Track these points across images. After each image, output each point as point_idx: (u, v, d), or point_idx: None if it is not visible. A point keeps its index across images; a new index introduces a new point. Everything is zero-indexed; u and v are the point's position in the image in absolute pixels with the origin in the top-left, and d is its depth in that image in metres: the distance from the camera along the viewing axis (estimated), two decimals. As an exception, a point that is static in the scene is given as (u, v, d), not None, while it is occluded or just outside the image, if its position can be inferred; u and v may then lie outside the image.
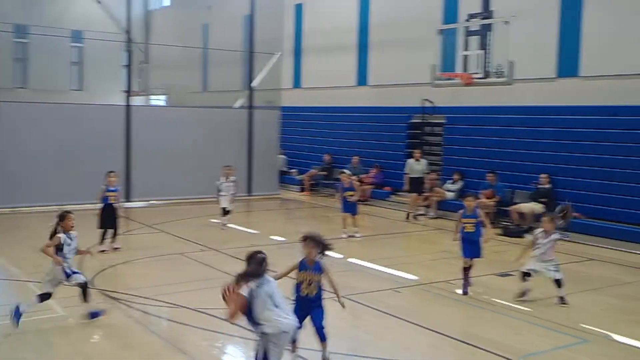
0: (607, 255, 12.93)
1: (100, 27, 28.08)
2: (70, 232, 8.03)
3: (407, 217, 16.95)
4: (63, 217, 8.08)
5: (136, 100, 26.55)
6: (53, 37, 27.35)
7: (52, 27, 27.24)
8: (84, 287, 8.04)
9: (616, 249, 13.35)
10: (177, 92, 30.35)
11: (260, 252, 5.94)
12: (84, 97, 30.04)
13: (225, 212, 14.90)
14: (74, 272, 8.00)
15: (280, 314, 5.76)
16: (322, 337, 6.90)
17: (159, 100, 32.99)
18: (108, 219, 12.13)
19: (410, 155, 19.47)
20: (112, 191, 12.29)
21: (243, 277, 5.75)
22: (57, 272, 7.83)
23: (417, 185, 17.05)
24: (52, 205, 16.79)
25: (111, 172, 12.58)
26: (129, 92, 19.24)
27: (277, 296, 5.82)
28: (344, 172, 14.60)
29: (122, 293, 9.33)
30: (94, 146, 17.73)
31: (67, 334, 7.68)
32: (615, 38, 15.01)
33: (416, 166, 17.13)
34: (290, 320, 5.87)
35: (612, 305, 9.55)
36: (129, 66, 19.89)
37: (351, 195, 13.90)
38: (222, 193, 14.90)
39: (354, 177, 14.86)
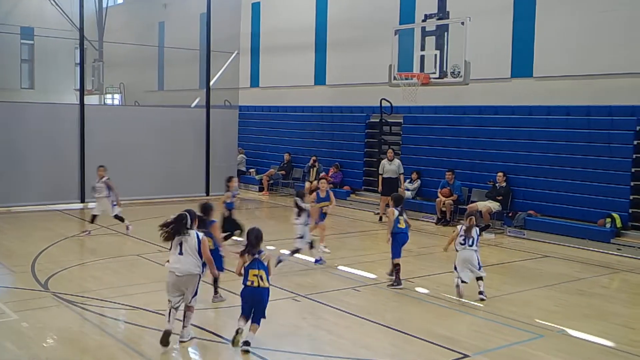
0: (562, 252, 13.21)
1: (52, 24, 27.49)
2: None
3: (380, 219, 16.73)
4: (303, 194, 11.39)
5: (90, 99, 26.09)
6: (2, 34, 26.60)
7: (1, 24, 26.49)
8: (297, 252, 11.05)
9: (571, 246, 13.66)
10: (133, 90, 29.88)
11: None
12: (36, 95, 29.38)
13: (93, 217, 13.66)
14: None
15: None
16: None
17: (113, 99, 32.43)
18: (230, 222, 12.35)
19: (369, 155, 19.65)
20: (235, 195, 12.61)
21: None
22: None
23: (390, 186, 16.80)
24: (4, 206, 16.45)
25: (232, 177, 12.96)
26: (82, 91, 18.84)
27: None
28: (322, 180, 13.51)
29: (77, 295, 9.12)
30: (47, 146, 17.33)
31: (20, 338, 7.47)
32: (568, 39, 15.36)
33: (389, 166, 17.07)
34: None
35: (567, 301, 9.75)
36: (82, 64, 19.47)
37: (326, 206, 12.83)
38: (96, 195, 13.74)
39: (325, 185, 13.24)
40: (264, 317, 7.35)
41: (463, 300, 9.38)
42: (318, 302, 9.21)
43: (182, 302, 7.39)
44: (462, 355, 7.25)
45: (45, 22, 28.36)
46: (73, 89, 29.38)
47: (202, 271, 7.50)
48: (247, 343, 7.13)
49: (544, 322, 8.52)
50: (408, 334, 7.93)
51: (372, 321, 8.41)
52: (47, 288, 9.57)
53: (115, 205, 13.71)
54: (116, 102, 31.98)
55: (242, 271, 7.36)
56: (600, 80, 14.84)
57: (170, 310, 7.35)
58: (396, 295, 9.76)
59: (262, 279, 7.28)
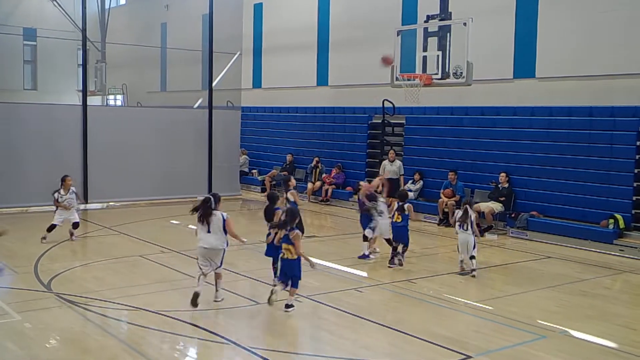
0: (565, 253, 13.19)
1: (55, 25, 27.54)
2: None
3: None
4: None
5: (93, 100, 26.14)
6: (4, 35, 26.66)
7: (3, 25, 26.55)
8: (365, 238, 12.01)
9: (573, 247, 13.64)
10: (135, 91, 29.93)
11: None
12: (38, 96, 29.44)
13: (52, 227, 12.83)
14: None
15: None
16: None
17: (116, 100, 32.51)
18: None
19: (371, 156, 19.66)
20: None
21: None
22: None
23: (391, 187, 16.73)
24: (4, 207, 16.47)
25: (290, 176, 13.32)
26: (85, 92, 18.87)
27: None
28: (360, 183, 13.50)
29: (79, 296, 9.14)
30: (50, 147, 17.35)
31: (22, 339, 7.49)
32: (570, 40, 15.34)
33: (390, 167, 16.98)
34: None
35: (569, 301, 9.74)
36: (84, 65, 19.49)
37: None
38: (70, 206, 12.95)
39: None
40: (296, 285, 8.74)
41: (465, 300, 9.40)
42: (319, 302, 9.21)
43: (210, 270, 8.80)
44: (464, 356, 7.24)
45: (47, 23, 28.42)
46: (75, 90, 29.43)
47: (227, 246, 8.85)
48: (287, 305, 8.61)
49: (546, 323, 8.51)
50: (409, 335, 7.92)
51: (373, 322, 8.41)
52: (50, 289, 9.59)
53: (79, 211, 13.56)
54: (119, 103, 32.06)
55: (278, 243, 8.87)
56: (603, 81, 14.81)
57: (199, 276, 8.73)
58: (397, 296, 9.77)
59: (290, 252, 8.62)
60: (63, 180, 13.15)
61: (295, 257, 8.62)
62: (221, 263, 8.89)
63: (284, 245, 8.67)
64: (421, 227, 15.76)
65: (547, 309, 9.22)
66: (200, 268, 8.77)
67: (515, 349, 7.56)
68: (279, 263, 8.88)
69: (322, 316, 8.74)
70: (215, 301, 8.90)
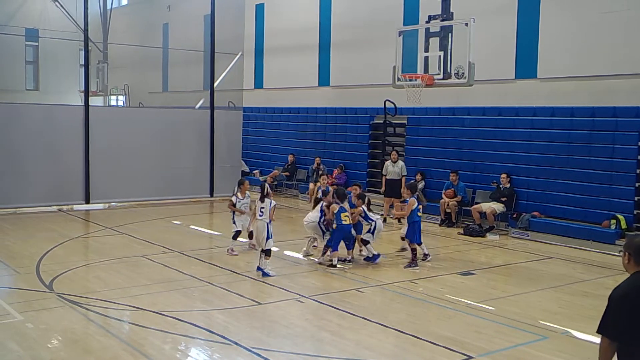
0: (567, 254, 13.19)
1: (57, 25, 27.63)
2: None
3: (384, 220, 16.64)
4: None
5: (94, 101, 26.20)
6: (7, 36, 26.72)
7: (5, 25, 26.61)
8: None
9: (575, 248, 13.64)
10: (137, 92, 29.98)
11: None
12: (40, 96, 29.50)
13: (237, 234, 12.41)
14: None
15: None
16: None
17: (118, 100, 32.56)
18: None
19: (373, 156, 19.65)
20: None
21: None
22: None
23: (393, 187, 16.62)
24: (6, 208, 16.50)
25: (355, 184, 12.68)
26: (87, 92, 18.90)
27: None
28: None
29: (81, 297, 9.15)
30: (52, 147, 17.38)
31: (24, 339, 7.50)
32: (572, 40, 15.34)
33: (392, 168, 17.03)
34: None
35: (571, 302, 9.73)
36: (86, 66, 19.52)
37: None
38: (237, 214, 12.42)
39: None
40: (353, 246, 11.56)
41: (467, 301, 9.40)
42: (321, 303, 9.21)
43: (316, 238, 12.00)
44: (466, 357, 7.24)
45: (49, 24, 28.50)
46: (77, 91, 29.51)
47: (320, 220, 11.59)
48: (348, 260, 11.47)
49: (547, 324, 8.51)
50: (411, 335, 7.93)
51: (375, 322, 8.41)
52: (52, 289, 9.60)
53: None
54: (120, 103, 32.11)
55: (334, 216, 11.24)
56: (605, 81, 14.81)
57: (309, 240, 12.23)
58: (399, 297, 9.77)
59: (349, 218, 11.26)
60: (241, 183, 12.65)
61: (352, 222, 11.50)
62: (323, 233, 11.54)
63: (343, 215, 11.25)
64: (423, 227, 15.72)
65: (548, 310, 9.22)
66: (310, 237, 12.01)
67: (516, 350, 7.56)
68: (338, 230, 11.26)
69: (324, 317, 8.73)
70: (320, 263, 11.46)
